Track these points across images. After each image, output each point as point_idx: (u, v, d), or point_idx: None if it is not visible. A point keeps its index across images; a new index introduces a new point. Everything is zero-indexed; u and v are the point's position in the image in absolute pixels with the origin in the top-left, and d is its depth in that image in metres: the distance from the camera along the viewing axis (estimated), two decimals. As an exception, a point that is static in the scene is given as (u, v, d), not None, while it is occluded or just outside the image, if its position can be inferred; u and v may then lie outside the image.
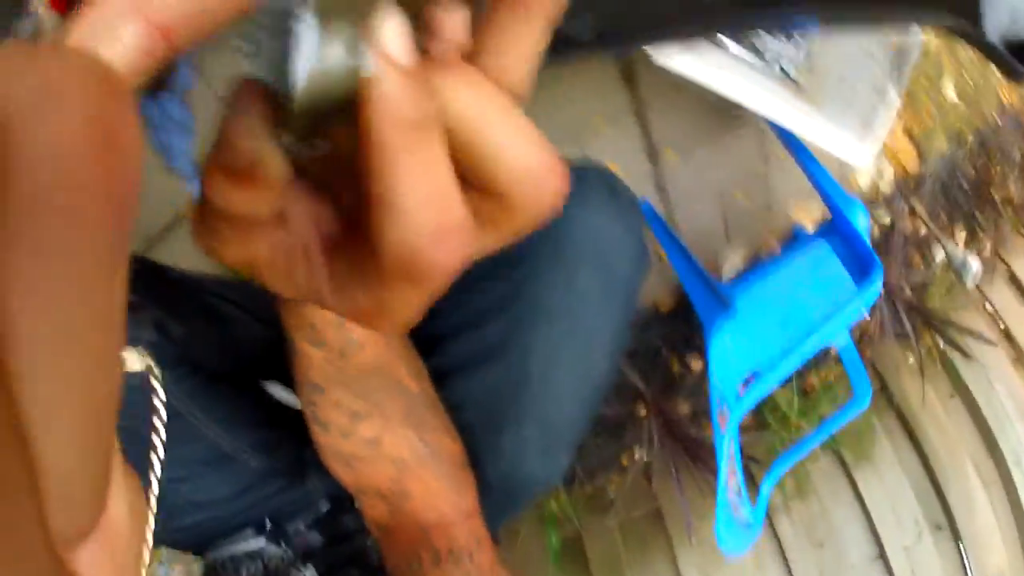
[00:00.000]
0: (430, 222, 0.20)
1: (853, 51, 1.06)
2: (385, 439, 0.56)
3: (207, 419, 0.70)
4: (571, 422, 0.70)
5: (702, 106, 1.24)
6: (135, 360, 0.41)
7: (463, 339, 0.70)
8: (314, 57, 0.19)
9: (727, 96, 0.88)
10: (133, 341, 0.60)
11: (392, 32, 0.20)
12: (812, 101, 0.99)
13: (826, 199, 1.06)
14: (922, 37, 1.16)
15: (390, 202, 0.20)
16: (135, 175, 0.13)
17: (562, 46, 0.59)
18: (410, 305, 0.23)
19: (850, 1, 0.58)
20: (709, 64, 0.86)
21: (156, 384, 0.41)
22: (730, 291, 1.00)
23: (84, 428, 0.14)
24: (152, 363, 0.43)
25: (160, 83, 1.08)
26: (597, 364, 0.69)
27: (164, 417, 0.42)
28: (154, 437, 0.44)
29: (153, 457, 0.43)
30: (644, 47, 0.74)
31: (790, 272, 1.04)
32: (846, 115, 1.02)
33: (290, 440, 0.76)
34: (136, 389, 0.65)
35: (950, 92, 1.70)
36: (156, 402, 0.45)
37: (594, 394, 0.71)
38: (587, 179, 0.67)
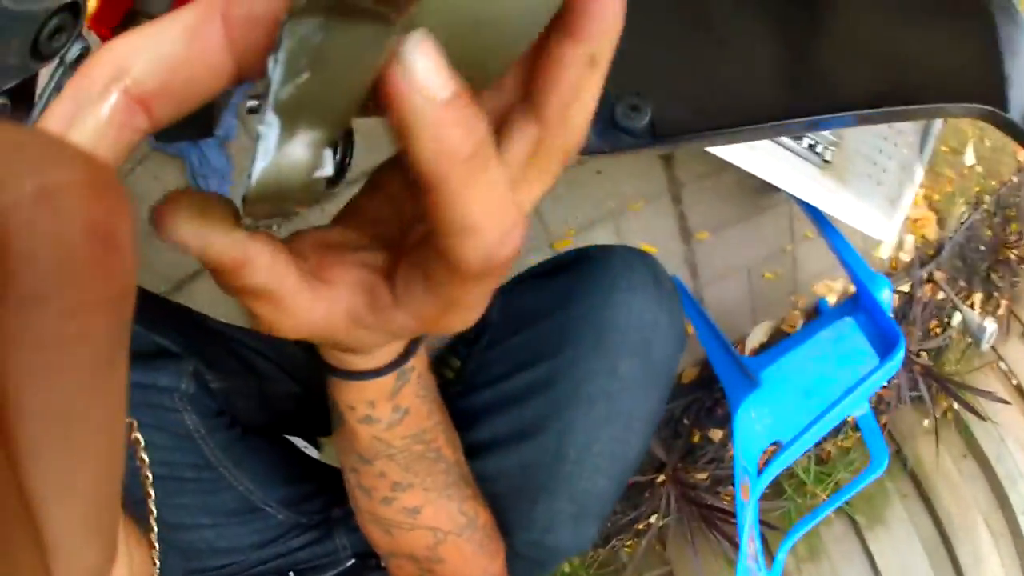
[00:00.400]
0: (498, 229, 0.21)
1: (882, 129, 1.07)
2: (425, 509, 0.57)
3: (239, 472, 0.70)
4: (603, 496, 0.70)
5: (735, 187, 1.26)
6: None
7: (501, 416, 0.70)
8: (271, 156, 0.18)
9: (757, 175, 0.89)
10: (172, 391, 0.65)
11: (425, 63, 0.18)
12: (840, 179, 0.99)
13: (852, 275, 1.07)
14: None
15: (460, 227, 0.21)
16: (132, 270, 0.13)
17: (619, 139, 0.59)
18: (483, 297, 0.25)
19: (887, 104, 0.60)
20: (740, 143, 0.87)
21: (143, 455, 0.42)
22: (755, 365, 1.01)
23: (90, 502, 0.14)
24: (139, 434, 0.43)
25: (204, 131, 1.09)
26: (632, 444, 0.70)
27: (151, 491, 0.44)
28: (149, 503, 0.45)
29: (152, 521, 0.45)
30: (692, 144, 0.76)
31: (814, 346, 1.05)
32: (874, 194, 1.02)
33: (319, 496, 0.77)
34: (185, 437, 0.65)
35: (969, 156, 1.71)
36: (146, 471, 0.45)
37: (626, 470, 0.72)
38: (633, 266, 0.68)
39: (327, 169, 0.19)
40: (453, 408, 0.69)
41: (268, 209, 0.21)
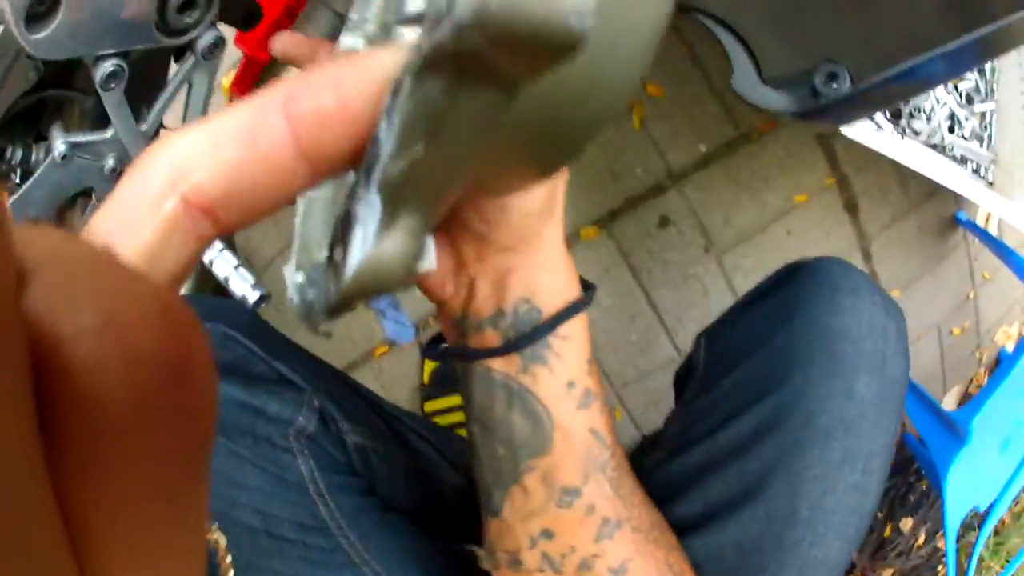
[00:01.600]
0: None
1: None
2: (633, 565, 0.47)
3: (365, 549, 0.57)
4: (834, 566, 0.56)
5: (917, 233, 1.20)
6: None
7: (715, 477, 0.56)
8: (370, 244, 0.17)
9: (948, 186, 0.79)
10: (286, 424, 0.56)
11: None
12: (1008, 195, 0.91)
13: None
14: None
15: None
16: (211, 406, 0.12)
17: (818, 109, 0.54)
18: None
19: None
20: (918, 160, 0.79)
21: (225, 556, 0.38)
22: (960, 419, 0.90)
23: None
24: (220, 536, 0.39)
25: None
26: (871, 493, 0.56)
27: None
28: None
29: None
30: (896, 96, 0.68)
31: (1009, 386, 0.93)
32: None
33: None
34: (294, 487, 0.56)
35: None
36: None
37: (862, 530, 0.57)
38: (850, 271, 0.58)
39: (429, 260, 0.18)
40: (656, 480, 0.56)
41: (353, 305, 0.20)
